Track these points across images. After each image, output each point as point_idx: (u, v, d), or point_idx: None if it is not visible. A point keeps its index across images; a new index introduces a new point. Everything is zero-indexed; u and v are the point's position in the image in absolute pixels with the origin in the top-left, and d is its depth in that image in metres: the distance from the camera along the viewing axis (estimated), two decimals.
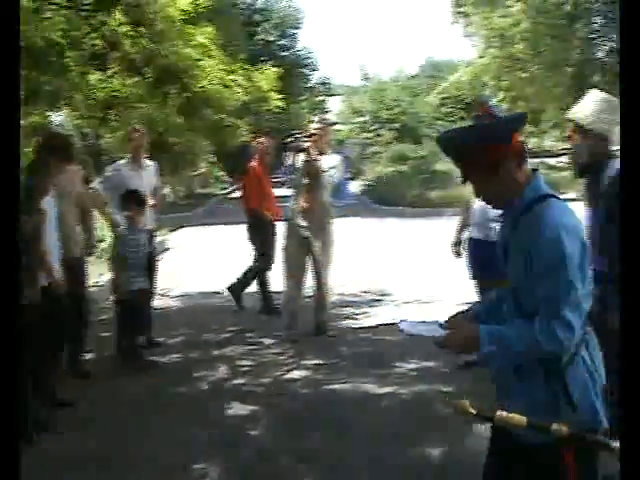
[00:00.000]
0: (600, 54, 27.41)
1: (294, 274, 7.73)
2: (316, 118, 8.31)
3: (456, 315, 2.97)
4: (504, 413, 2.52)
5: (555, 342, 2.51)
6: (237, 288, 9.27)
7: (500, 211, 6.08)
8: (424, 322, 3.02)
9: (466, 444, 4.93)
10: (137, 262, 6.88)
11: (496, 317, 2.82)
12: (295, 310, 7.76)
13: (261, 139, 9.69)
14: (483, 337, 2.62)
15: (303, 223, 7.64)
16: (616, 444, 2.29)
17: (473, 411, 2.55)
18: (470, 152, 2.67)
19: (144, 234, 7.12)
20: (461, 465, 4.64)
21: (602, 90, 4.41)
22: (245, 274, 9.24)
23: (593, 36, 28.69)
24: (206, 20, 17.67)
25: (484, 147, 2.63)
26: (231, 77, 19.18)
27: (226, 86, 18.70)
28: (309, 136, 7.78)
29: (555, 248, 2.51)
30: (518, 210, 2.68)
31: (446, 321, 2.92)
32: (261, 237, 9.07)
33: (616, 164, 4.10)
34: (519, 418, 2.51)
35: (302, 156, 7.72)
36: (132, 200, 6.98)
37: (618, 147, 3.75)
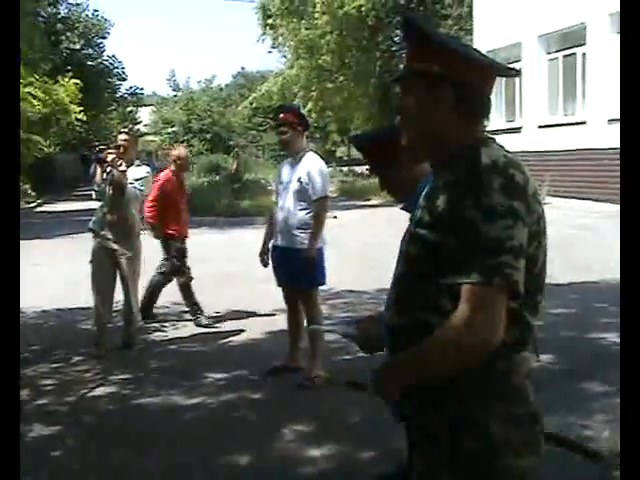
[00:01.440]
0: (401, 65, 28.72)
1: (102, 288, 7.54)
2: (124, 129, 8.14)
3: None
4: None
5: None
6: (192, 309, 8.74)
7: (303, 219, 6.18)
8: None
9: (274, 448, 5.03)
10: None
11: None
12: (103, 325, 7.57)
13: (175, 151, 9.17)
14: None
15: (109, 235, 7.49)
16: None
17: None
18: (369, 152, 3.24)
19: None
20: (269, 468, 4.71)
21: None
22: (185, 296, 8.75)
23: (394, 48, 29.96)
24: None
25: (377, 147, 3.14)
26: (28, 90, 18.47)
27: (23, 99, 18.00)
28: (116, 147, 7.64)
29: None
30: (414, 203, 2.85)
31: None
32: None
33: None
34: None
35: (107, 168, 7.55)
36: None
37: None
